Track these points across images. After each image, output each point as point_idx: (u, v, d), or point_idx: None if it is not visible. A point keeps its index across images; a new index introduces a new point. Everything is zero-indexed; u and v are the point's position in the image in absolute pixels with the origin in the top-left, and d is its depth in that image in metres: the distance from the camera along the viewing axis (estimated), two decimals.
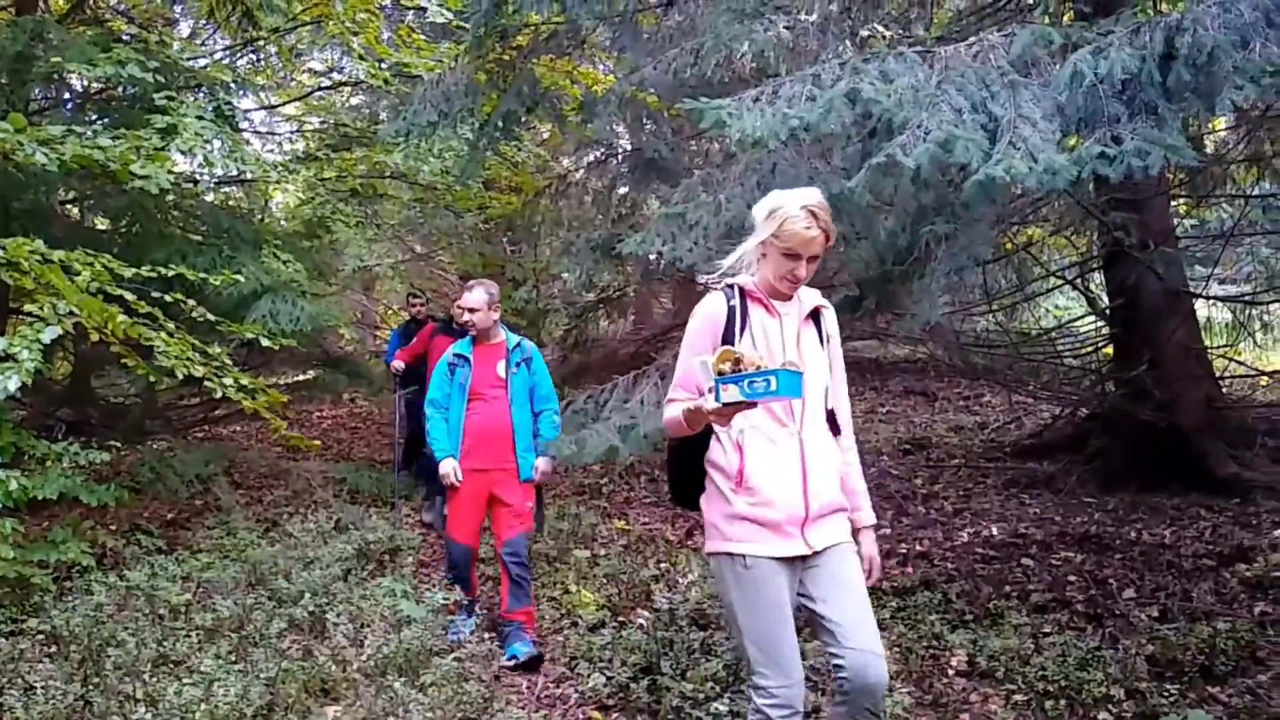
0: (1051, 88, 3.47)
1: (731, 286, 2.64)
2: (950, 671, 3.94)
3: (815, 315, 2.68)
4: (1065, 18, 4.94)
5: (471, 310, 4.71)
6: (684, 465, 2.68)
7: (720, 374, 2.25)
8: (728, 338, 2.55)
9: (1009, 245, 6.56)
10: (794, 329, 2.62)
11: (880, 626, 4.26)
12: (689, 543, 6.03)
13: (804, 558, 2.52)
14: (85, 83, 7.53)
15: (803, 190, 2.56)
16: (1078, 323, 7.94)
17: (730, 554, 2.52)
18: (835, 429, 2.66)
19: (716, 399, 2.24)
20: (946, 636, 4.19)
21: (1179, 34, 3.27)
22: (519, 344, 4.78)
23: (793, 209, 2.47)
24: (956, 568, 5.20)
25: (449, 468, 4.60)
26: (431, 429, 4.70)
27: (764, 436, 2.51)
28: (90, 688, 3.84)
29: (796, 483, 2.50)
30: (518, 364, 4.71)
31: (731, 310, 2.59)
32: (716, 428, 2.51)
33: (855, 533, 2.67)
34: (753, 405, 2.27)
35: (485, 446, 4.61)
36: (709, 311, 2.63)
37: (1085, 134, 3.41)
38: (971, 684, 3.85)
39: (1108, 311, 6.79)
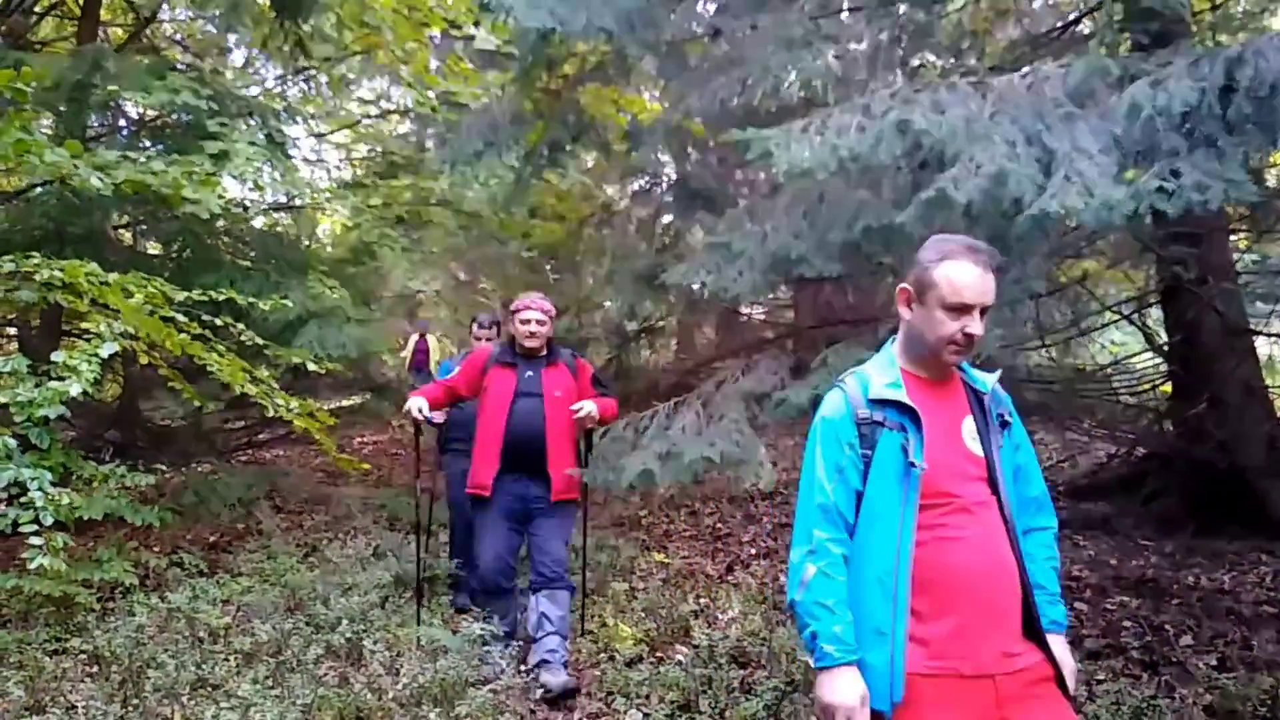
0: (1108, 120, 3.39)
1: None
2: None
3: None
4: (1122, 48, 4.85)
5: (983, 311, 2.14)
6: None
7: None
8: None
9: (1064, 279, 6.42)
10: None
11: None
12: (729, 578, 5.94)
13: None
14: (141, 110, 7.71)
15: None
16: (1135, 359, 7.75)
17: None
18: None
19: None
20: None
21: (1239, 66, 3.19)
22: (995, 389, 2.28)
23: None
24: None
25: (851, 699, 1.99)
26: (816, 586, 2.07)
27: None
28: (130, 709, 3.86)
29: None
30: (1001, 422, 2.24)
31: None
32: None
33: None
34: None
35: (980, 620, 2.05)
36: None
37: (1143, 167, 3.33)
38: None
39: (1166, 348, 6.62)
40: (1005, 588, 2.10)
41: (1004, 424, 2.25)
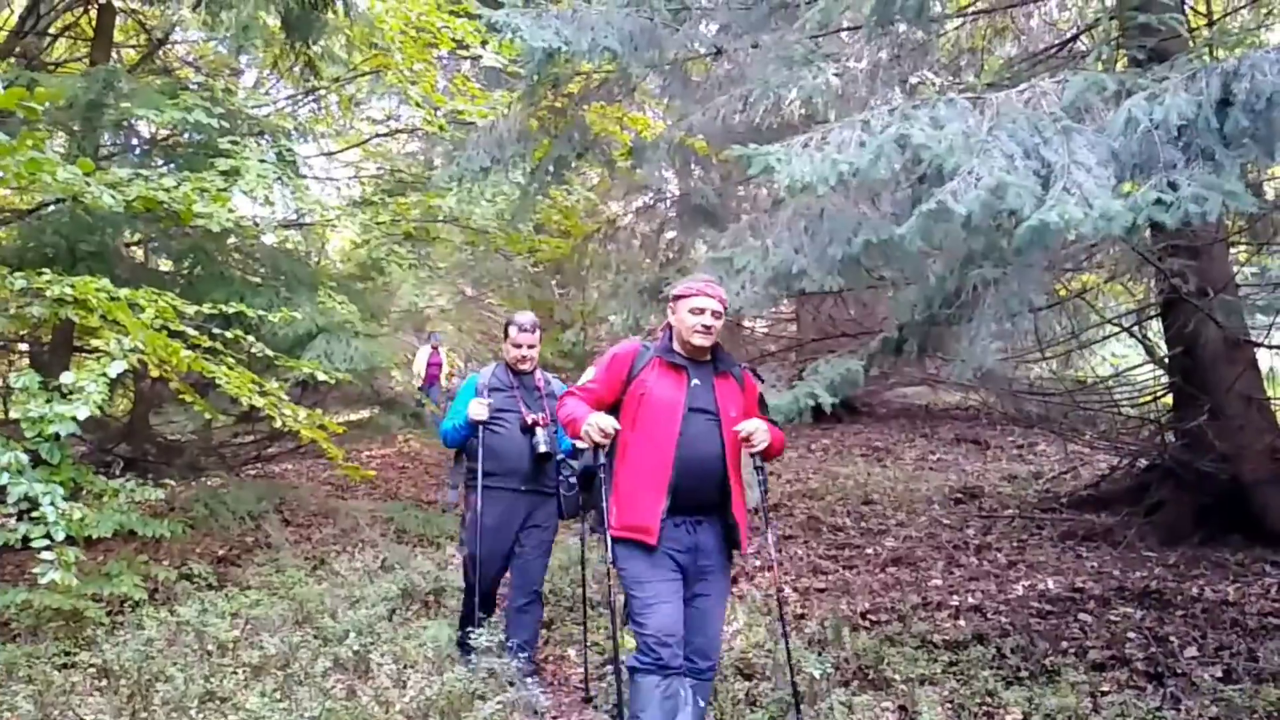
0: (1106, 134, 3.43)
1: None
2: None
3: None
4: (1119, 64, 4.90)
5: None
6: None
7: None
8: None
9: (1063, 291, 6.44)
10: None
11: (931, 681, 4.21)
12: (734, 590, 5.95)
13: None
14: (153, 129, 7.80)
15: None
16: (1135, 371, 7.77)
17: None
18: None
19: None
20: (1001, 693, 4.06)
21: (1236, 80, 3.22)
22: None
23: None
24: (1011, 622, 5.06)
25: None
26: None
27: None
28: None
29: None
30: None
31: None
32: None
33: None
34: None
35: None
36: None
37: (1141, 180, 3.36)
38: None
39: (1166, 360, 6.63)
40: None
41: None
